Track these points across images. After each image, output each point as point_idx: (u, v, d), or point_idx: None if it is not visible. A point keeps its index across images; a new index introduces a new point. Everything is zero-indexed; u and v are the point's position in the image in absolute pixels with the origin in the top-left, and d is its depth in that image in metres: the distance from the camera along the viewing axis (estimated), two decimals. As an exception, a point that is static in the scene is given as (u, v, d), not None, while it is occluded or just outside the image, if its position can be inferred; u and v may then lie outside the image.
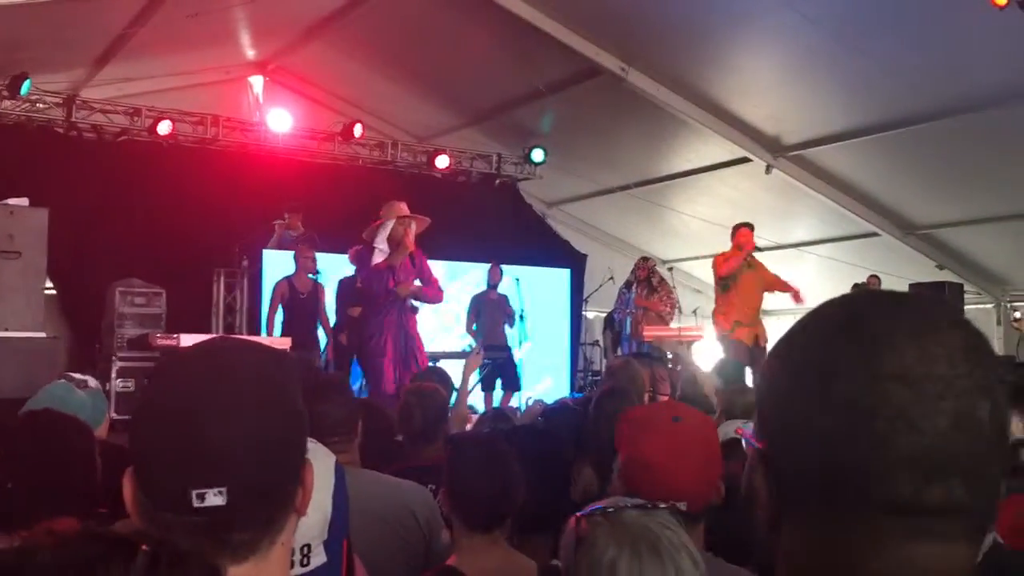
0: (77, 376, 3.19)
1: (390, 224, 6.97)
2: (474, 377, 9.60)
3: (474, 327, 10.19)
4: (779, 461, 0.78)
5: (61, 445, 2.17)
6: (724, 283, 8.85)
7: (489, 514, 2.21)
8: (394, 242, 6.99)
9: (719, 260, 8.87)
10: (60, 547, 0.74)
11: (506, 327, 9.97)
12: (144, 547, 0.76)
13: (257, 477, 1.01)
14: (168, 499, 0.99)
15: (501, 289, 10.16)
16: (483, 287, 10.27)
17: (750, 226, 8.84)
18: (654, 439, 1.99)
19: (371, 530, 2.54)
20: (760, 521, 0.81)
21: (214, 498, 0.98)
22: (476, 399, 9.54)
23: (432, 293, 7.24)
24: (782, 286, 8.90)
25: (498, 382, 9.69)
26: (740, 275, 8.68)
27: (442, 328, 10.67)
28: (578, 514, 1.48)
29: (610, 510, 1.48)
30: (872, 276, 10.58)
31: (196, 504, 0.98)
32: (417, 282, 7.17)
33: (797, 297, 8.70)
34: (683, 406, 2.58)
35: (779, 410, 0.79)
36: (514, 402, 9.39)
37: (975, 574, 0.75)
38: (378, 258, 6.98)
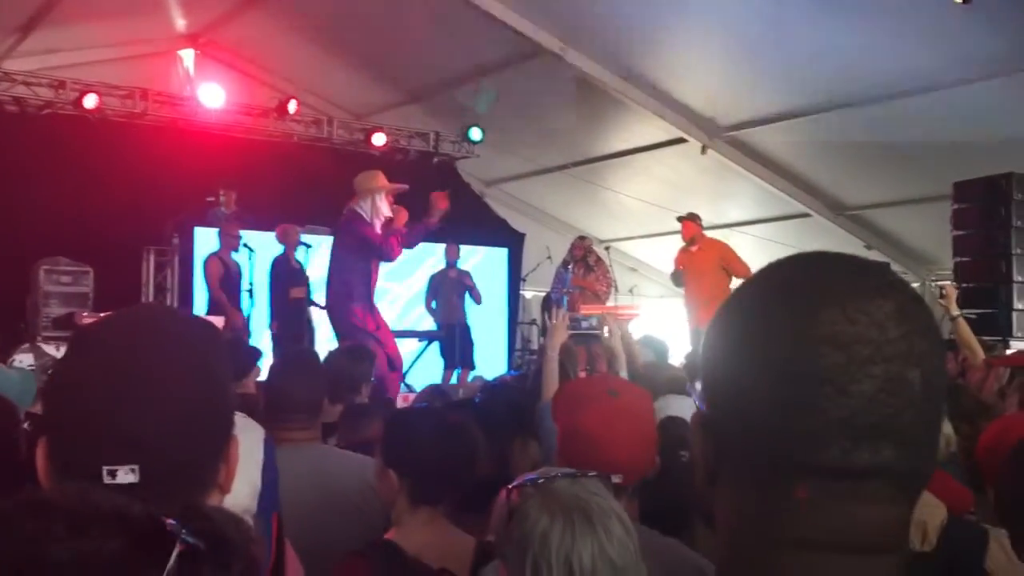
0: (47, 349, 3.12)
1: (382, 195, 6.90)
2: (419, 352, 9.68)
3: (433, 304, 10.21)
4: (717, 424, 0.79)
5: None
6: (676, 281, 9.33)
7: (437, 489, 2.20)
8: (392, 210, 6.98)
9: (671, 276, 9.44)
10: (75, 538, 0.66)
11: (463, 300, 10.06)
12: (180, 544, 0.68)
13: (173, 454, 0.97)
14: (78, 474, 0.95)
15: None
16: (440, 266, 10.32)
17: (686, 218, 9.24)
18: (591, 412, 2.01)
19: (332, 505, 2.52)
20: (697, 481, 0.81)
21: (126, 476, 0.94)
22: (436, 375, 9.56)
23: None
24: (735, 270, 8.98)
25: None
26: (686, 267, 9.08)
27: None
28: (508, 486, 1.49)
29: (540, 480, 1.49)
30: None
31: (107, 480, 0.93)
32: None
33: None
34: (619, 380, 2.61)
35: (716, 373, 0.79)
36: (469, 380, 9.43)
37: (906, 536, 0.76)
38: (376, 227, 6.90)
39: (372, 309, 6.94)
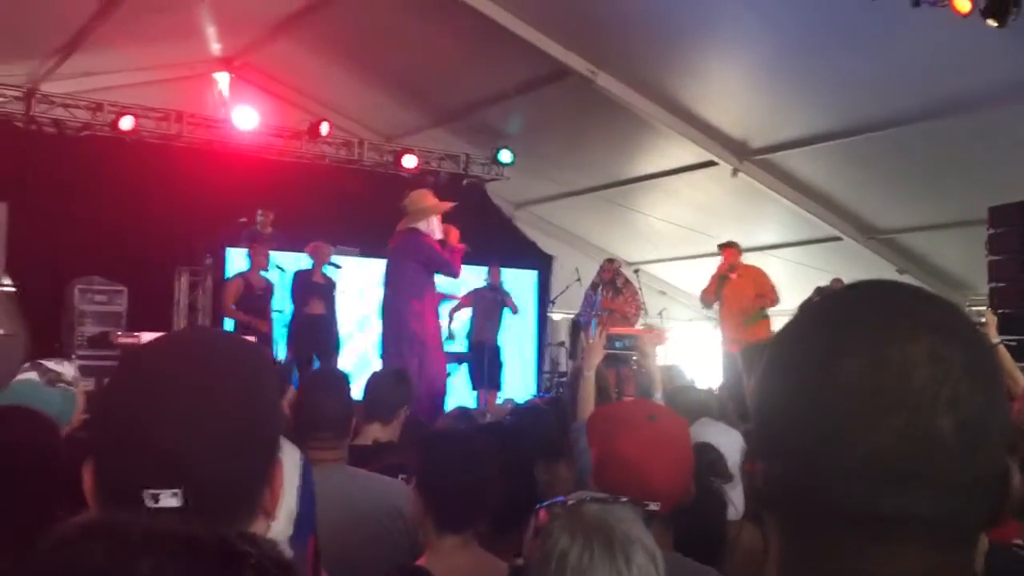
0: (50, 366, 3.11)
1: (435, 221, 6.96)
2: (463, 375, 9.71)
3: (465, 324, 10.19)
4: (765, 456, 0.79)
5: (20, 443, 2.11)
6: (708, 303, 9.48)
7: (460, 515, 2.19)
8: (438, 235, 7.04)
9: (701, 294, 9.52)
10: (147, 563, 0.64)
11: (499, 323, 10.11)
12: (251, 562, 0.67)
13: (217, 478, 0.96)
14: (123, 497, 0.95)
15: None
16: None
17: (727, 245, 9.38)
18: (630, 437, 1.99)
19: (358, 528, 2.51)
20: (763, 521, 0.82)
21: (169, 499, 0.93)
22: (466, 397, 9.57)
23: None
24: (764, 296, 9.15)
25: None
26: (721, 292, 9.18)
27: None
28: (539, 505, 1.48)
29: (571, 502, 1.48)
30: (836, 279, 10.69)
31: (149, 504, 0.93)
32: None
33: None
34: (658, 406, 2.59)
35: (762, 408, 0.79)
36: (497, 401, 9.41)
37: None
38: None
39: (436, 328, 6.98)
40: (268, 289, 9.00)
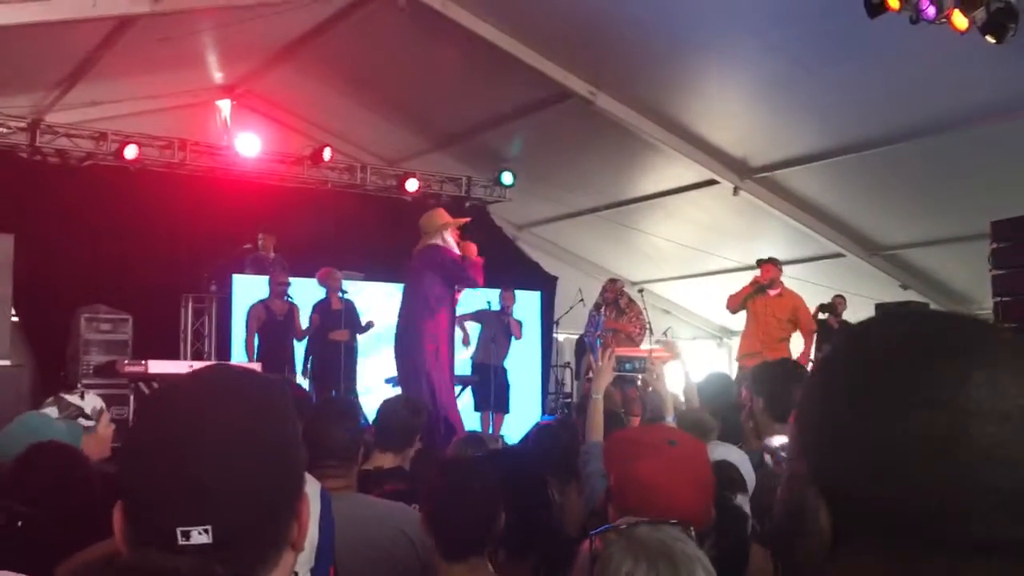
0: (70, 400, 3.13)
1: (449, 234, 7.05)
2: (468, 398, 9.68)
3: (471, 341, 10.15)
4: (836, 489, 0.74)
5: (71, 477, 2.14)
6: (733, 311, 9.33)
7: (464, 545, 2.20)
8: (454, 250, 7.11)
9: (729, 296, 9.36)
10: None
11: (507, 345, 10.06)
12: None
13: (246, 515, 0.97)
14: (153, 535, 0.96)
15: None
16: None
17: (769, 261, 9.21)
18: (650, 461, 1.99)
19: (367, 554, 2.51)
20: (807, 548, 0.77)
21: (199, 536, 0.94)
22: (472, 420, 9.55)
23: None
24: (804, 331, 9.11)
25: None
26: (750, 304, 9.04)
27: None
28: (591, 533, 1.49)
29: (622, 527, 1.49)
30: (838, 296, 10.72)
31: (181, 542, 0.94)
32: None
33: (804, 358, 8.97)
34: (676, 430, 2.60)
35: (838, 437, 0.74)
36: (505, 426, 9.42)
37: None
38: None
39: (448, 353, 6.99)
40: (291, 313, 9.03)
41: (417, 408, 3.40)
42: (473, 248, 7.10)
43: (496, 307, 10.20)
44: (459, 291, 7.33)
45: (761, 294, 9.02)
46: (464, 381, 9.76)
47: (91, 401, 3.16)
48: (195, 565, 0.94)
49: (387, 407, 3.28)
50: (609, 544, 1.44)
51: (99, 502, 2.12)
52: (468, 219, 7.39)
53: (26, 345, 9.53)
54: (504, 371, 10.03)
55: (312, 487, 1.44)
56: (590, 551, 1.44)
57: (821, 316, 10.38)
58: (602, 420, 3.08)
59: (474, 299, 9.82)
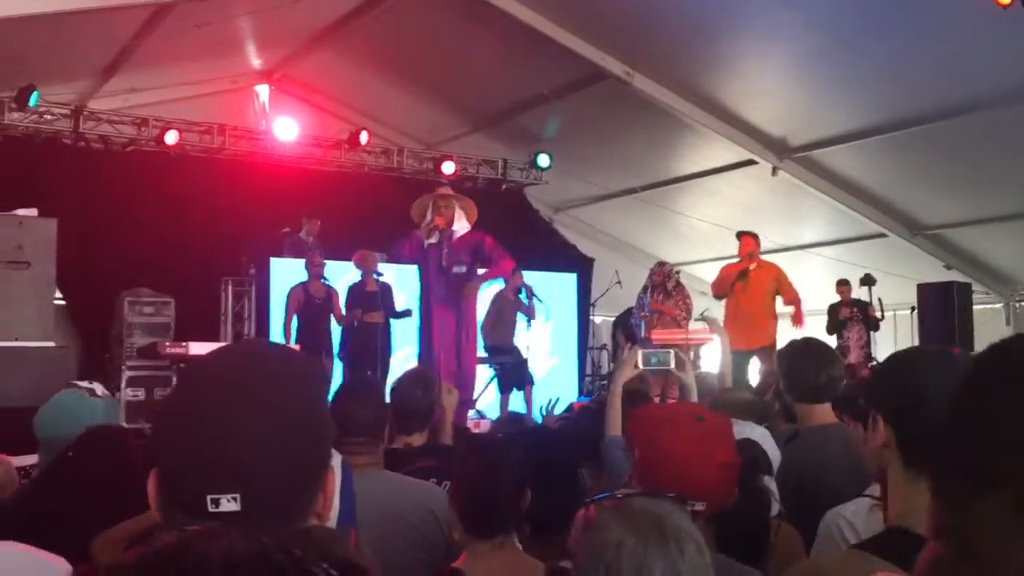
0: (83, 384, 3.20)
1: (429, 211, 7.15)
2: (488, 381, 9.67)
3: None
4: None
5: (127, 456, 2.19)
6: (720, 298, 9.15)
7: (486, 522, 2.21)
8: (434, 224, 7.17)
9: (713, 282, 9.20)
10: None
11: (518, 327, 9.93)
12: None
13: (274, 483, 0.99)
14: (184, 502, 0.99)
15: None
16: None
17: (748, 233, 9.01)
18: (678, 437, 1.99)
19: (393, 531, 2.54)
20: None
21: (228, 504, 0.97)
22: (493, 403, 9.57)
23: (494, 272, 7.32)
24: (787, 300, 8.95)
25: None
26: (734, 285, 8.85)
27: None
28: (588, 500, 1.50)
29: (619, 496, 1.50)
30: (867, 275, 10.61)
31: (211, 509, 0.97)
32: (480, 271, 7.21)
33: (797, 320, 8.76)
34: (702, 408, 2.59)
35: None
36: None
37: None
38: (424, 236, 7.15)
39: (442, 335, 7.05)
40: (329, 296, 9.11)
41: (428, 382, 3.41)
42: (440, 220, 7.10)
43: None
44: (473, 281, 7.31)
45: (744, 277, 8.88)
46: (501, 362, 9.74)
47: (98, 388, 3.24)
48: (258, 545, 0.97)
49: (401, 390, 3.28)
50: (602, 512, 1.45)
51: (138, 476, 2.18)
52: (472, 204, 7.37)
53: (72, 327, 9.75)
54: (515, 348, 9.92)
55: (335, 459, 1.47)
56: (585, 517, 1.45)
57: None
58: (620, 414, 3.07)
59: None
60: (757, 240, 8.99)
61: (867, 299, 10.34)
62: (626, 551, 1.38)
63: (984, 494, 0.77)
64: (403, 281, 9.31)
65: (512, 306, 9.93)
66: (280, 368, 1.08)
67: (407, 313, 9.01)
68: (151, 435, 1.06)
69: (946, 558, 0.80)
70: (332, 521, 1.42)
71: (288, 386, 1.06)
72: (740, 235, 9.05)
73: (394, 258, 7.59)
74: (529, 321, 9.81)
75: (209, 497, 0.97)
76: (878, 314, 10.32)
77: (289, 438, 1.02)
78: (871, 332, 10.40)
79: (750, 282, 8.78)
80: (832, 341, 9.78)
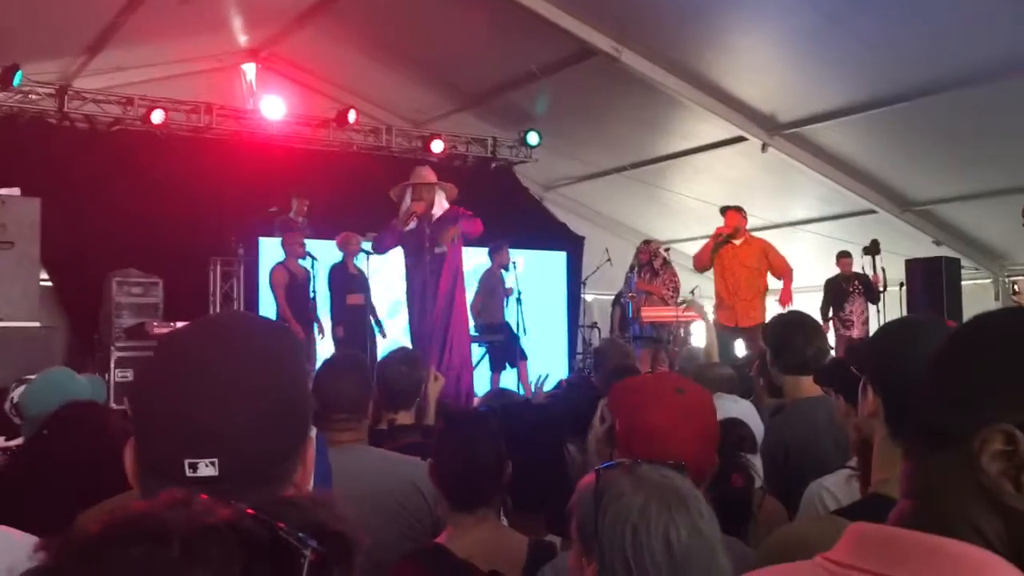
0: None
1: (409, 192, 7.14)
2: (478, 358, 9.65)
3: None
4: None
5: (104, 433, 2.16)
6: (701, 271, 8.96)
7: (467, 495, 2.21)
8: (412, 211, 7.14)
9: (694, 256, 8.98)
10: (193, 566, 0.63)
11: (502, 301, 9.92)
12: (309, 553, 0.67)
13: (251, 449, 1.00)
14: (162, 468, 0.99)
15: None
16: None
17: (733, 208, 8.75)
18: (659, 408, 1.99)
19: (377, 505, 2.54)
20: None
21: (206, 468, 0.97)
22: (484, 380, 9.57)
23: (466, 226, 7.34)
24: (778, 273, 8.72)
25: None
26: (716, 258, 8.59)
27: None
28: (596, 468, 1.49)
29: (627, 463, 1.50)
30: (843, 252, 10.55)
31: (188, 474, 0.97)
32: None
33: (784, 298, 8.56)
34: (684, 379, 2.59)
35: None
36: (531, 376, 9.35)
37: None
38: (400, 222, 7.16)
39: (426, 315, 7.04)
40: (306, 276, 9.09)
41: (415, 360, 3.41)
42: (418, 206, 7.12)
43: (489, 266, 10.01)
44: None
45: (727, 245, 8.57)
46: (491, 340, 9.75)
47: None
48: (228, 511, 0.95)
49: (386, 368, 3.27)
50: (618, 478, 1.44)
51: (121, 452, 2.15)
52: (453, 188, 7.44)
53: (60, 308, 9.71)
54: (507, 325, 9.91)
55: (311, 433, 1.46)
56: (595, 485, 1.44)
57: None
58: None
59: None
60: (743, 214, 8.75)
61: (871, 268, 10.18)
62: (651, 514, 1.38)
63: (941, 452, 0.82)
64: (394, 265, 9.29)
65: (498, 282, 9.92)
66: (258, 338, 1.08)
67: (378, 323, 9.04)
68: (129, 400, 1.05)
69: (909, 514, 0.84)
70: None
71: (266, 354, 1.06)
72: (724, 210, 8.79)
73: (379, 250, 7.56)
74: (519, 298, 9.82)
75: (187, 461, 0.97)
76: (881, 286, 10.12)
77: (268, 405, 1.02)
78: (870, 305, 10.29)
79: (737, 258, 8.57)
80: (818, 316, 9.58)
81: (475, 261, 9.95)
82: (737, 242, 8.61)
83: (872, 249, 10.14)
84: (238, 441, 0.99)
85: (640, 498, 1.41)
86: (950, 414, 0.83)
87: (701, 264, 8.80)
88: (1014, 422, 0.78)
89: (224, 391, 1.00)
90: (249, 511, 0.70)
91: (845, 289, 10.43)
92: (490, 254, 9.96)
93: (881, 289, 10.18)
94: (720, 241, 8.56)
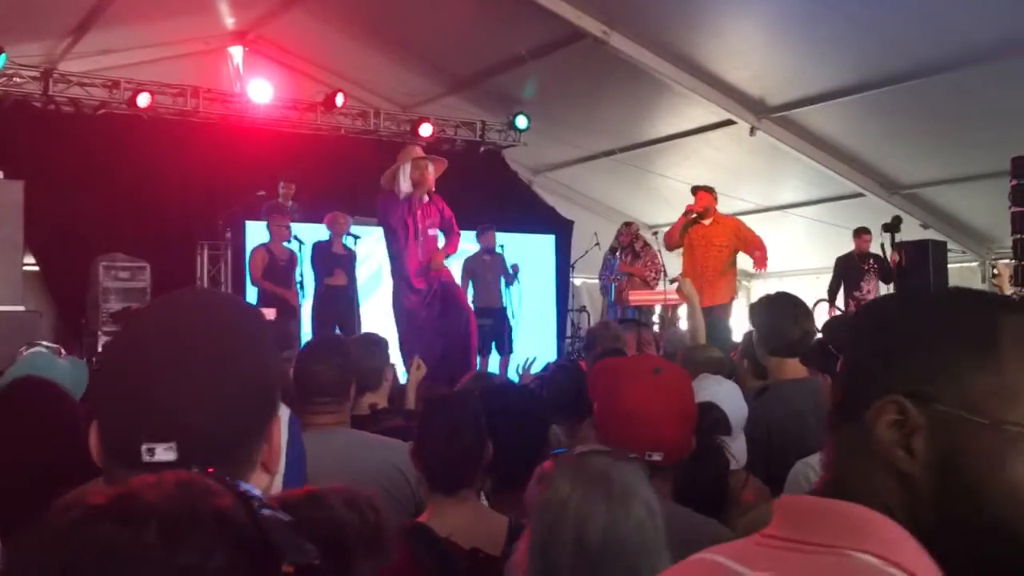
0: (50, 345, 3.17)
1: (407, 166, 7.06)
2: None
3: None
4: None
5: (42, 415, 2.11)
6: (671, 249, 8.84)
7: (448, 477, 2.22)
8: (413, 182, 7.08)
9: (664, 234, 8.76)
10: (172, 551, 0.63)
11: (503, 288, 9.90)
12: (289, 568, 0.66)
13: (210, 433, 0.98)
14: (121, 452, 0.97)
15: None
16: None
17: (703, 188, 8.49)
18: (635, 389, 2.00)
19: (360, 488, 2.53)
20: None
21: (164, 453, 0.96)
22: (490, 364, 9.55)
23: (453, 247, 7.36)
24: (752, 248, 8.39)
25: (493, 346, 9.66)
26: (686, 238, 8.41)
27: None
28: (552, 453, 1.50)
29: (578, 452, 1.50)
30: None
31: (146, 459, 0.95)
32: (440, 237, 7.28)
33: (758, 262, 8.30)
34: (661, 360, 2.60)
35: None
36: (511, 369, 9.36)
37: None
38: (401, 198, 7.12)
39: (420, 290, 7.03)
40: (291, 260, 9.06)
41: (375, 340, 3.41)
42: (430, 180, 7.08)
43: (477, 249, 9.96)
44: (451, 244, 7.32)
45: (696, 224, 8.35)
46: (484, 322, 9.72)
47: (64, 355, 3.21)
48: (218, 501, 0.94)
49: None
50: (558, 467, 1.45)
51: (83, 442, 2.10)
52: (444, 162, 7.36)
53: (46, 293, 9.67)
54: (505, 312, 9.90)
55: (283, 412, 1.45)
56: (540, 473, 1.45)
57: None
58: None
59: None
60: (713, 195, 8.49)
61: (890, 244, 9.83)
62: (571, 506, 1.39)
63: (848, 424, 0.87)
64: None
65: (487, 267, 9.88)
66: (220, 317, 1.06)
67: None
68: (90, 383, 1.05)
69: (826, 485, 0.88)
70: (279, 472, 1.41)
71: (228, 335, 1.04)
72: (695, 190, 8.53)
73: (389, 220, 7.41)
74: (514, 282, 9.83)
75: (144, 447, 0.96)
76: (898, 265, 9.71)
77: (227, 385, 1.00)
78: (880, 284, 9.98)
79: (705, 238, 8.33)
80: (811, 296, 9.38)
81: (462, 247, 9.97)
82: (707, 222, 8.35)
83: (892, 226, 9.84)
84: (197, 424, 0.97)
85: (566, 488, 1.41)
86: (852, 387, 0.89)
87: (671, 242, 8.64)
88: (905, 392, 0.83)
89: (182, 372, 0.98)
90: (251, 500, 0.70)
91: (860, 267, 10.08)
92: (476, 237, 9.94)
93: (899, 265, 9.76)
94: (689, 220, 8.38)
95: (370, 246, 9.46)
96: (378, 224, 8.80)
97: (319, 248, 8.94)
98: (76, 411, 2.14)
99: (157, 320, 1.06)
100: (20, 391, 2.25)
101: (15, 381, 2.35)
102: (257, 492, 0.76)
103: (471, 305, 8.76)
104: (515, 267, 9.94)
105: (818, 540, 0.81)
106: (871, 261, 10.09)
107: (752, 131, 10.55)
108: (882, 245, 10.00)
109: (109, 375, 1.03)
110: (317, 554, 0.70)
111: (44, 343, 3.23)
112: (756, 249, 8.32)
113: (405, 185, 7.01)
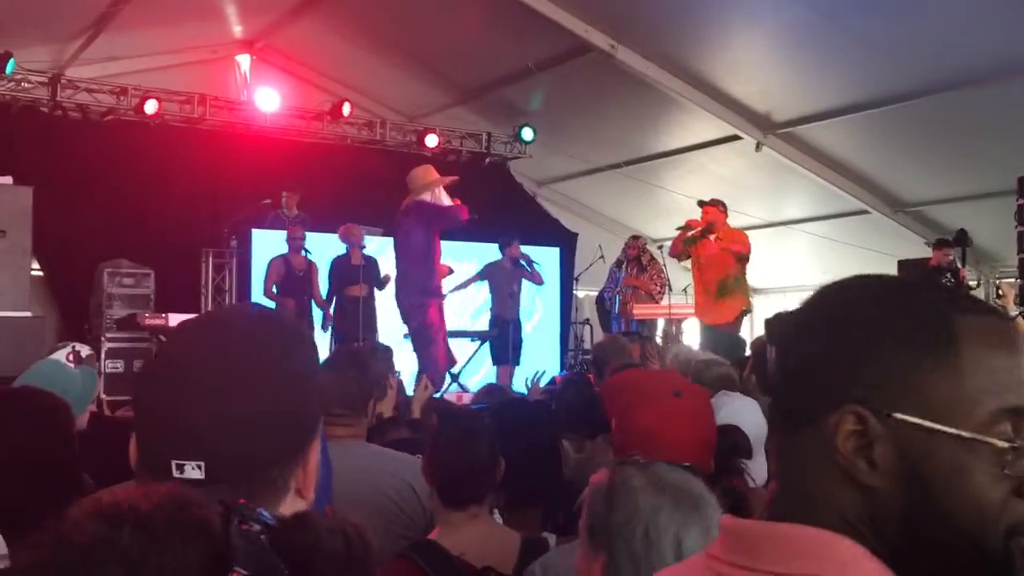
0: (67, 347, 3.15)
1: (440, 192, 7.18)
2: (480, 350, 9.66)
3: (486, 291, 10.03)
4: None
5: (31, 425, 2.08)
6: (680, 261, 8.75)
7: (461, 493, 2.20)
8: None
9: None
10: (137, 547, 0.67)
11: (517, 297, 9.87)
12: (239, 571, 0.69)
13: (238, 452, 0.97)
14: (154, 466, 0.98)
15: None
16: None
17: (710, 203, 8.38)
18: (654, 411, 1.99)
19: (372, 502, 2.53)
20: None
21: (192, 471, 0.96)
22: (489, 373, 9.56)
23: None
24: (739, 247, 8.20)
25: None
26: (693, 252, 8.31)
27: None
28: (614, 463, 1.48)
29: (642, 460, 1.49)
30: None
31: (176, 475, 0.96)
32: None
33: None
34: (683, 380, 2.59)
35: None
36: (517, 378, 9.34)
37: None
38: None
39: (439, 305, 7.11)
40: (309, 270, 9.07)
41: (378, 348, 3.40)
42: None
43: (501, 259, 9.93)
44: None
45: (703, 239, 8.17)
46: (483, 336, 9.78)
47: (84, 349, 3.19)
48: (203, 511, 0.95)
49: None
50: (631, 477, 1.43)
51: (72, 452, 2.07)
52: (456, 178, 7.42)
53: (51, 298, 9.66)
54: (519, 324, 9.91)
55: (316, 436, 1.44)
56: (610, 481, 1.43)
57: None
58: None
59: (480, 254, 9.82)
60: (721, 208, 8.31)
61: (960, 259, 9.51)
62: (663, 516, 1.38)
63: (800, 433, 0.84)
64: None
65: (507, 276, 9.85)
66: (260, 335, 1.05)
67: (387, 279, 8.89)
68: (131, 395, 1.07)
69: (776, 497, 0.86)
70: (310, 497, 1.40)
71: (259, 350, 1.03)
72: (702, 204, 8.40)
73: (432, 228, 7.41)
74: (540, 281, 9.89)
75: (174, 463, 0.96)
76: (972, 282, 9.38)
77: (259, 407, 0.99)
78: None
79: (709, 256, 8.19)
80: None
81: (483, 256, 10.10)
82: (713, 238, 8.20)
83: (961, 240, 9.56)
84: (225, 444, 0.97)
85: (654, 498, 1.40)
86: (803, 394, 0.84)
87: (674, 251, 8.59)
88: (861, 400, 0.80)
89: (214, 392, 0.98)
90: (233, 515, 0.73)
91: None
92: (500, 248, 9.91)
93: (974, 285, 9.44)
94: (691, 236, 8.22)
95: (381, 256, 9.48)
96: (385, 234, 8.86)
97: (338, 263, 8.98)
98: (65, 426, 2.09)
99: (196, 337, 1.06)
100: (11, 404, 2.20)
101: (5, 392, 2.34)
102: (268, 516, 0.77)
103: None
104: (529, 260, 9.88)
105: (769, 567, 0.79)
106: (948, 276, 9.40)
107: (758, 147, 10.57)
108: (952, 260, 9.55)
109: (145, 389, 1.04)
110: (284, 570, 0.73)
111: (76, 344, 3.20)
112: (740, 249, 8.13)
113: (446, 201, 7.15)
